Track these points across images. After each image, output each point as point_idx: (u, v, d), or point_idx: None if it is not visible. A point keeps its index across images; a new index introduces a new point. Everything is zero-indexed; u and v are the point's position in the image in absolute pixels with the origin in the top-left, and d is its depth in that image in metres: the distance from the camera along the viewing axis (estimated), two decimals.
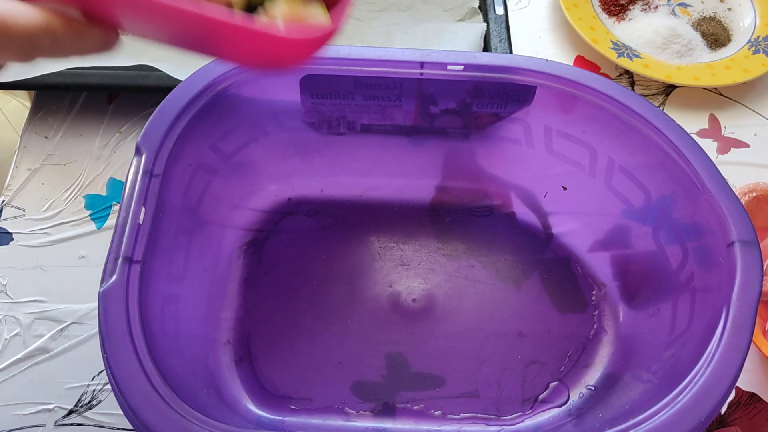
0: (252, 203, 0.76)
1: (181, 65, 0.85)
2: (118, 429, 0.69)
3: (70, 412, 0.69)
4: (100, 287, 0.52)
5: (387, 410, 0.66)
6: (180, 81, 0.74)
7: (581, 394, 0.66)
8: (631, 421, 0.49)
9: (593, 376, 0.68)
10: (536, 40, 1.05)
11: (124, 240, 0.55)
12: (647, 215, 0.68)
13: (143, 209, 0.57)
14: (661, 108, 0.97)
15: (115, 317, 0.51)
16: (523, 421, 0.65)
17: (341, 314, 0.71)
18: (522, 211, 0.79)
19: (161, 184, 0.59)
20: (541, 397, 0.67)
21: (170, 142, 0.61)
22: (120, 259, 0.54)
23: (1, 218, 0.82)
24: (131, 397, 0.48)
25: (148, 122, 0.61)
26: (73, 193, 0.85)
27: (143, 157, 0.60)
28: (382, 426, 0.64)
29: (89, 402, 0.70)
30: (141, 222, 0.56)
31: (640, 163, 0.67)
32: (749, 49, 1.02)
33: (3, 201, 0.83)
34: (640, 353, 0.65)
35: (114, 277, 0.53)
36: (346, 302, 0.72)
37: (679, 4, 1.09)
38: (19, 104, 1.43)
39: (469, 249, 0.76)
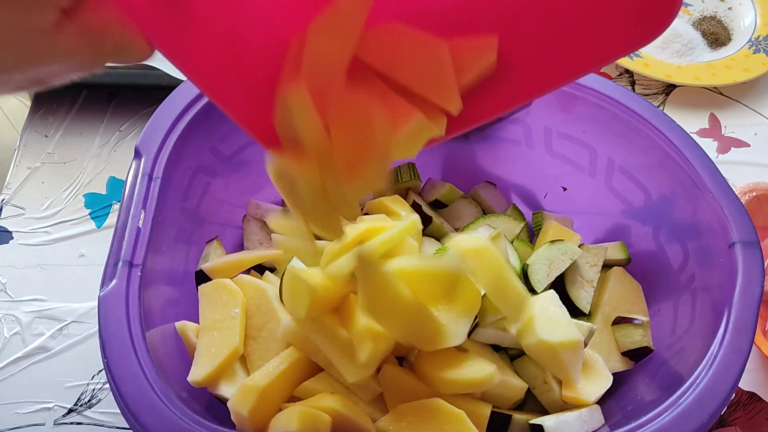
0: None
1: None
2: (118, 428, 0.69)
3: (70, 410, 0.69)
4: (100, 291, 0.52)
5: None
6: (180, 80, 0.73)
7: None
8: (634, 423, 0.49)
9: None
10: None
11: (124, 244, 0.55)
12: (647, 215, 0.68)
13: (143, 212, 0.57)
14: (661, 107, 0.97)
15: (116, 322, 0.51)
16: None
17: None
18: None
19: (161, 186, 0.58)
20: None
21: (170, 144, 0.61)
22: (120, 263, 0.54)
23: (1, 217, 0.82)
24: (132, 401, 0.48)
25: (147, 124, 0.61)
26: (73, 192, 0.85)
27: (143, 160, 0.59)
28: None
29: (89, 401, 0.70)
30: (141, 225, 0.56)
31: (640, 163, 0.67)
32: (749, 48, 1.02)
33: (3, 199, 0.83)
34: None
35: (114, 282, 0.53)
36: None
37: None
38: (19, 102, 1.43)
39: None
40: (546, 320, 0.59)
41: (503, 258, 0.58)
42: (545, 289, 0.65)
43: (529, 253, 0.69)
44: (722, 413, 0.69)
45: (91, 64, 0.38)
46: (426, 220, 0.71)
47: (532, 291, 0.65)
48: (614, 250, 0.70)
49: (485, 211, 0.77)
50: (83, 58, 0.37)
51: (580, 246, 0.69)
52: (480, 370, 0.56)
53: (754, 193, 0.82)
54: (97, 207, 0.84)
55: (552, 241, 0.67)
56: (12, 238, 0.81)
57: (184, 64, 0.40)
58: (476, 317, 0.59)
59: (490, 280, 0.57)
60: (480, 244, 0.57)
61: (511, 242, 0.70)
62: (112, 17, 0.37)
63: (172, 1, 0.38)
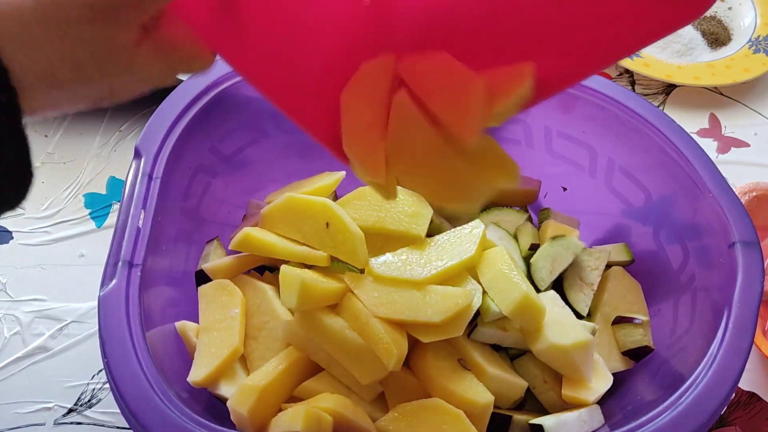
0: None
1: None
2: (118, 428, 0.69)
3: (70, 410, 0.69)
4: (100, 291, 0.52)
5: None
6: (179, 80, 0.73)
7: None
8: (633, 423, 0.49)
9: None
10: None
11: (124, 243, 0.55)
12: (647, 215, 0.68)
13: (143, 212, 0.57)
14: (661, 107, 0.97)
15: (116, 322, 0.51)
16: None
17: None
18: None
19: (160, 186, 0.59)
20: None
21: (170, 144, 0.61)
22: (120, 263, 0.54)
23: (1, 217, 0.82)
24: (132, 401, 0.48)
25: (147, 124, 0.61)
26: (73, 192, 0.85)
27: (142, 159, 0.59)
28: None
29: (89, 401, 0.70)
30: (140, 225, 0.56)
31: (641, 164, 0.67)
32: (750, 48, 1.02)
33: None
34: None
35: (114, 281, 0.53)
36: None
37: None
38: None
39: None
40: (553, 323, 0.59)
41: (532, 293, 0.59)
42: (548, 287, 0.66)
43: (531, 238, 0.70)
44: (722, 413, 0.69)
45: (164, 78, 0.40)
46: None
47: (536, 290, 0.65)
48: (617, 253, 0.70)
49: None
50: (158, 72, 0.39)
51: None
52: (480, 394, 0.56)
53: (754, 193, 0.82)
54: (97, 207, 0.84)
55: (553, 238, 0.67)
56: (12, 238, 0.81)
57: (245, 70, 0.42)
58: (476, 318, 0.59)
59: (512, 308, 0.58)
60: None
61: (514, 235, 0.70)
62: (184, 32, 0.39)
63: (229, 13, 0.40)
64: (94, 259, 0.80)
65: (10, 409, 0.69)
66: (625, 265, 0.70)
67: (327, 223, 0.61)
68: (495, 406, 0.57)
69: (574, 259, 0.67)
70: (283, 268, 0.57)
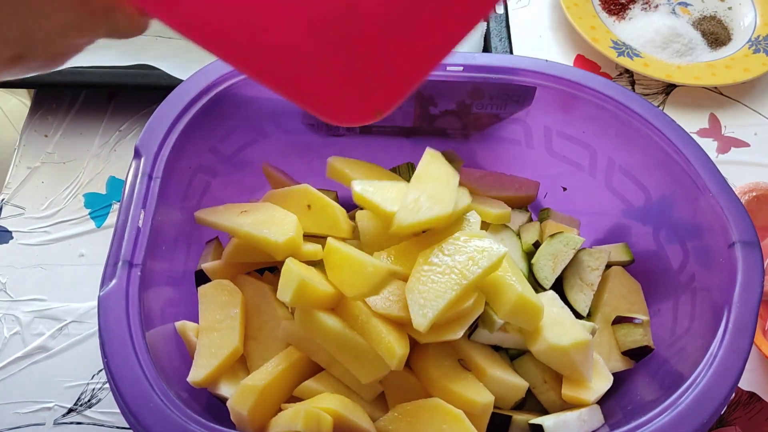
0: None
1: (181, 64, 0.85)
2: (118, 428, 0.69)
3: (70, 410, 0.69)
4: (100, 291, 0.52)
5: None
6: (179, 80, 0.74)
7: None
8: (634, 423, 0.49)
9: None
10: (536, 39, 1.05)
11: (124, 243, 0.55)
12: (647, 215, 0.68)
13: (143, 212, 0.57)
14: (661, 107, 0.97)
15: (116, 322, 0.51)
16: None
17: None
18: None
19: (160, 186, 0.58)
20: None
21: (169, 144, 0.61)
22: (120, 263, 0.54)
23: (1, 216, 0.82)
24: (132, 401, 0.48)
25: (147, 124, 0.61)
26: (73, 192, 0.85)
27: (142, 159, 0.59)
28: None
29: (89, 401, 0.70)
30: (140, 225, 0.56)
31: (640, 163, 0.67)
32: (749, 48, 1.02)
33: (2, 199, 0.83)
34: None
35: (114, 281, 0.53)
36: None
37: (680, 3, 1.09)
38: (19, 102, 1.43)
39: None
40: (552, 323, 0.59)
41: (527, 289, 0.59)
42: (552, 286, 0.66)
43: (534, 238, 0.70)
44: (722, 413, 0.69)
45: (80, 25, 0.37)
46: None
47: (541, 288, 0.65)
48: (617, 253, 0.70)
49: None
50: (72, 15, 0.36)
51: (581, 250, 0.69)
52: (480, 394, 0.56)
53: (754, 193, 0.82)
54: (97, 207, 0.84)
55: (552, 235, 0.67)
56: (12, 238, 0.81)
57: (182, 26, 0.37)
58: (477, 319, 0.59)
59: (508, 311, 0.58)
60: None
61: (517, 233, 0.70)
62: None
63: None
64: (94, 259, 0.80)
65: (10, 409, 0.69)
66: (625, 265, 0.70)
67: (308, 206, 0.61)
68: (495, 407, 0.57)
69: (575, 255, 0.67)
70: (288, 260, 0.57)
